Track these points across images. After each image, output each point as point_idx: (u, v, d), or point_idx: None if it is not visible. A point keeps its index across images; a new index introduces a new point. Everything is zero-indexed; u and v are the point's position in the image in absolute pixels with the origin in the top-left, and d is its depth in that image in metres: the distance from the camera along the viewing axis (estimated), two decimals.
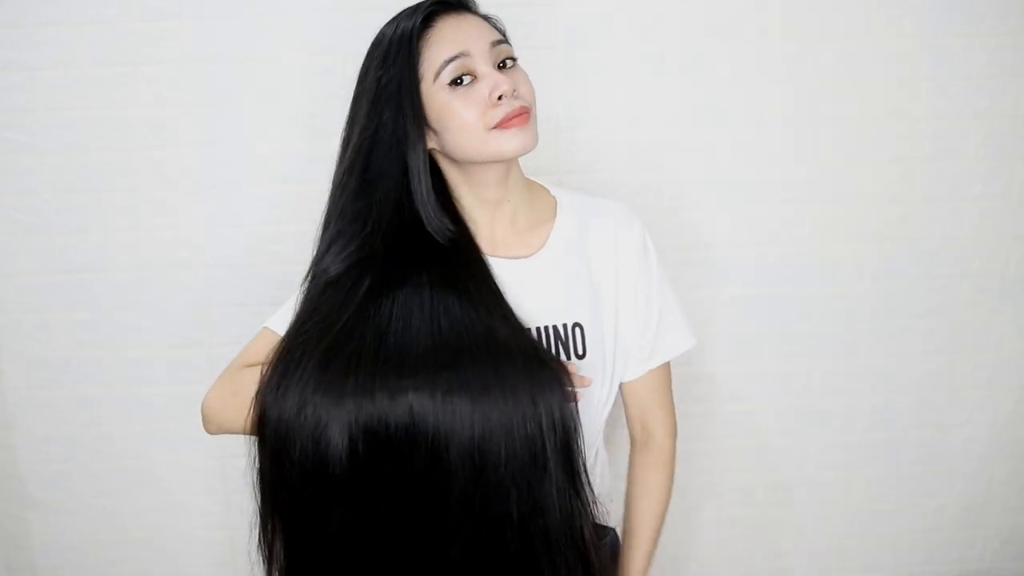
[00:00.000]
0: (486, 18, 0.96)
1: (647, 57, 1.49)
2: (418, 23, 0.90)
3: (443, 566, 0.86)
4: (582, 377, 0.90)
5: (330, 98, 1.48)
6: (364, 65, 0.95)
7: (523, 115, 0.90)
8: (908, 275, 1.57)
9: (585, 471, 0.89)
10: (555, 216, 1.02)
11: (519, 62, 0.95)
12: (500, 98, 0.89)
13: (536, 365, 0.85)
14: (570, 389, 0.86)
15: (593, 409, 1.02)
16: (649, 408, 1.08)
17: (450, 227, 0.93)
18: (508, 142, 0.90)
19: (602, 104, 1.50)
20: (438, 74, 0.89)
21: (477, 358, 0.84)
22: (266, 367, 0.89)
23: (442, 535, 0.85)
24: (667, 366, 1.08)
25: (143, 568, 1.63)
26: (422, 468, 0.83)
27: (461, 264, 0.92)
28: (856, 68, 1.50)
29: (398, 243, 0.91)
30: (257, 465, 0.90)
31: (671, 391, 1.10)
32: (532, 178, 1.07)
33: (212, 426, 0.99)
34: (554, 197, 1.05)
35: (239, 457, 1.58)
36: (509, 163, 0.97)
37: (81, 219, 1.50)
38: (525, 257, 0.99)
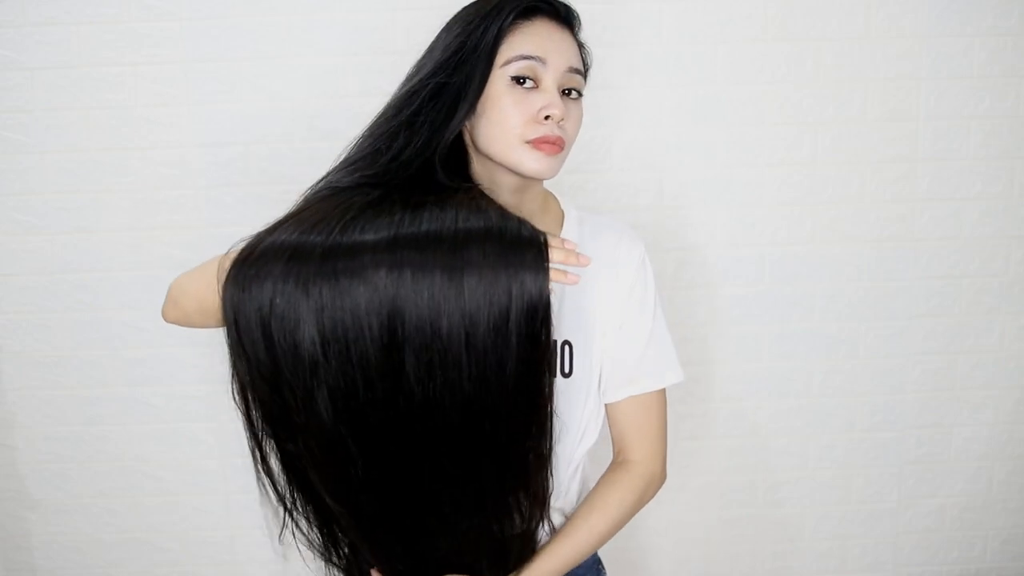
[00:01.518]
0: (580, 45, 0.97)
1: (647, 57, 1.49)
2: (522, 7, 0.90)
3: (416, 450, 0.82)
4: (579, 255, 0.81)
5: (331, 98, 1.48)
6: (458, 15, 0.94)
7: (558, 145, 0.90)
8: (908, 275, 1.57)
9: (550, 383, 0.82)
10: (559, 231, 1.02)
11: (582, 100, 0.96)
12: (547, 118, 0.89)
13: (512, 244, 0.78)
14: (548, 265, 0.78)
15: (576, 427, 1.00)
16: (627, 433, 1.03)
17: (463, 184, 0.90)
18: (531, 161, 0.90)
19: (602, 104, 1.50)
20: (508, 62, 0.89)
21: (446, 237, 0.78)
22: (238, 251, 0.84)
23: (410, 421, 0.81)
24: (655, 397, 1.02)
25: (143, 568, 1.63)
26: (385, 351, 0.78)
27: (466, 192, 0.88)
28: (856, 68, 1.50)
29: (417, 178, 0.88)
30: (234, 367, 0.85)
31: (660, 421, 1.03)
32: (550, 190, 1.07)
33: (173, 308, 0.95)
34: (563, 212, 1.04)
35: (239, 457, 1.59)
36: (529, 178, 0.96)
37: (81, 219, 1.50)
38: None
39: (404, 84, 0.93)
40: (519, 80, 0.89)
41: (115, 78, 1.45)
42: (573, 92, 0.93)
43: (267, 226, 0.86)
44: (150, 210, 1.50)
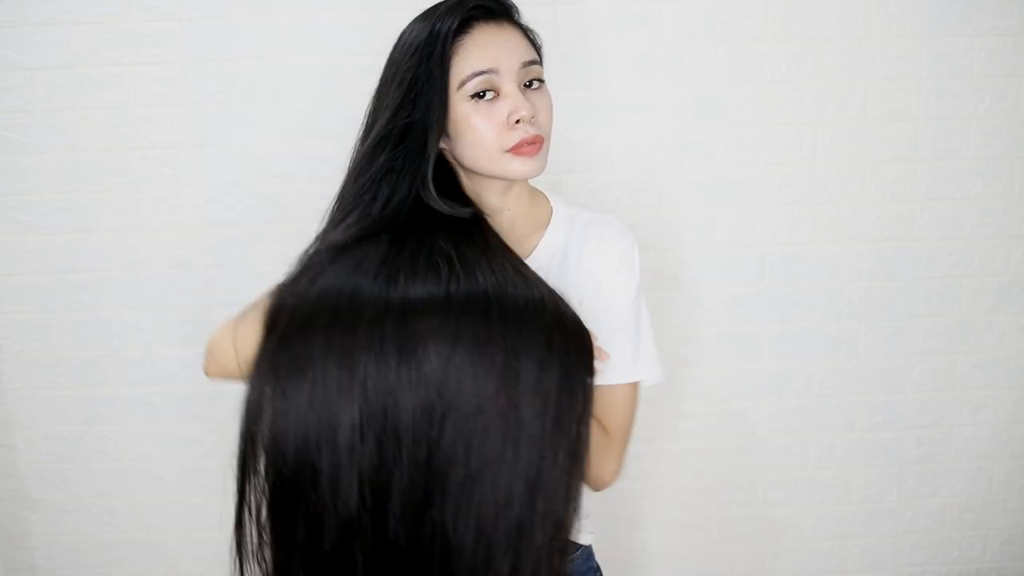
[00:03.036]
0: (525, 31, 0.96)
1: (648, 57, 1.49)
2: (455, 26, 0.89)
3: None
4: (601, 350, 0.86)
5: (331, 98, 1.48)
6: (396, 54, 0.94)
7: (536, 143, 0.90)
8: (908, 275, 1.57)
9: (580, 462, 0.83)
10: (547, 226, 1.02)
11: (546, 84, 0.95)
12: (518, 122, 0.89)
13: (565, 328, 0.82)
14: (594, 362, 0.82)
15: None
16: None
17: (463, 210, 0.91)
18: (517, 167, 0.91)
19: (602, 104, 1.50)
20: (463, 84, 0.89)
21: (500, 309, 0.80)
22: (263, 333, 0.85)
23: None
24: (620, 391, 0.97)
25: (143, 568, 1.63)
26: (422, 434, 0.79)
27: (479, 233, 0.90)
28: (856, 68, 1.50)
29: (416, 212, 0.89)
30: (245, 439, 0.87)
31: (622, 421, 0.97)
32: (536, 186, 1.07)
33: (215, 365, 0.97)
34: (552, 207, 1.04)
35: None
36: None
37: (81, 219, 1.50)
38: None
39: (367, 133, 0.93)
40: (480, 95, 0.89)
41: (115, 78, 1.45)
42: (534, 82, 0.92)
43: (288, 278, 0.87)
44: (150, 210, 1.50)
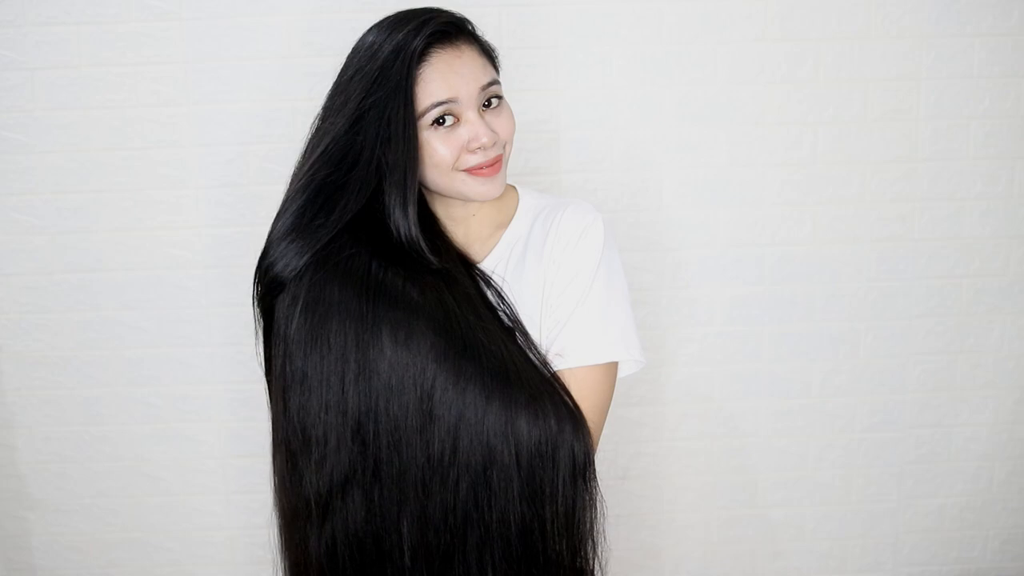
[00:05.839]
0: (481, 46, 0.95)
1: (648, 57, 1.49)
2: (416, 54, 0.89)
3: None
4: None
5: None
6: (349, 67, 0.95)
7: (495, 165, 0.92)
8: (908, 275, 1.57)
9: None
10: (510, 222, 1.02)
11: (505, 99, 0.95)
12: (477, 148, 0.91)
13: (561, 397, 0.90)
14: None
15: None
16: None
17: (432, 258, 0.92)
18: (476, 186, 0.93)
19: (602, 104, 1.50)
20: (424, 114, 0.90)
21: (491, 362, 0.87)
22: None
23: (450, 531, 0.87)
24: (588, 374, 0.94)
25: (143, 568, 1.63)
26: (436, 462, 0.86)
27: (453, 282, 0.93)
28: (856, 68, 1.50)
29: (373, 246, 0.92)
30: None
31: (594, 404, 0.94)
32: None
33: None
34: (518, 199, 1.04)
35: (239, 457, 1.59)
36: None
37: (81, 219, 1.50)
38: (479, 262, 1.00)
39: (308, 155, 0.96)
40: (440, 121, 0.90)
41: (115, 78, 1.45)
42: (493, 100, 0.93)
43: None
44: (150, 210, 1.50)
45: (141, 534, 1.62)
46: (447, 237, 0.98)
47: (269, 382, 0.95)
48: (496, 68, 0.97)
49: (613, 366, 0.96)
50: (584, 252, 0.95)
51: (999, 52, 1.50)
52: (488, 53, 0.96)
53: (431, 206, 1.00)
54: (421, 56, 0.90)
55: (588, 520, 0.91)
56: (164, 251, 1.52)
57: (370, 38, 0.93)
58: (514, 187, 1.05)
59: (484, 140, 0.90)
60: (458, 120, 0.91)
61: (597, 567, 0.93)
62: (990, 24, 1.49)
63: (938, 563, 1.69)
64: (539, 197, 1.04)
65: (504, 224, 1.01)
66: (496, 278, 0.96)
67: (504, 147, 0.94)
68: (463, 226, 1.01)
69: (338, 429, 0.86)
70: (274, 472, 0.93)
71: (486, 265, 0.99)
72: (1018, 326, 1.60)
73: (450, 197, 0.96)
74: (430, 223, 0.97)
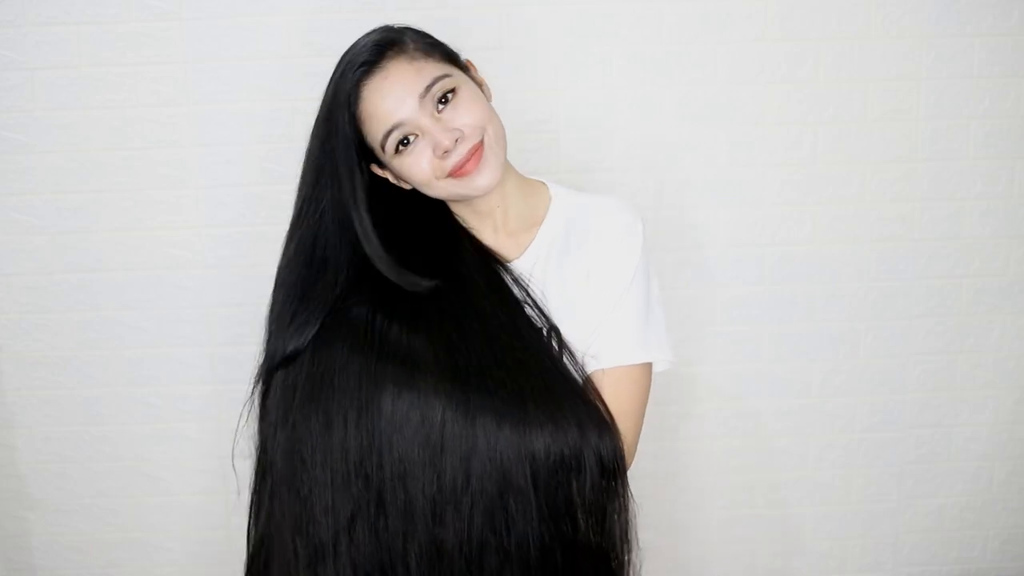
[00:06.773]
0: (418, 50, 0.92)
1: (648, 57, 1.49)
2: (352, 99, 0.90)
3: None
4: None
5: None
6: (315, 122, 0.96)
7: (475, 155, 0.90)
8: (908, 275, 1.57)
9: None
10: (544, 220, 1.01)
11: (463, 83, 0.93)
12: (446, 152, 0.90)
13: (584, 400, 0.89)
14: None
15: None
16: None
17: (421, 282, 0.92)
18: (467, 186, 0.91)
19: (602, 104, 1.50)
20: (383, 147, 0.91)
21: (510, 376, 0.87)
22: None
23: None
24: (627, 374, 0.95)
25: (143, 568, 1.63)
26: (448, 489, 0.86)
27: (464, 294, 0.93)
28: (856, 68, 1.50)
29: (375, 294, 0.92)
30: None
31: (631, 404, 0.96)
32: (535, 177, 1.06)
33: None
34: (551, 197, 1.03)
35: (239, 457, 1.58)
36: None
37: (81, 219, 1.50)
38: (514, 260, 0.99)
39: (294, 230, 0.99)
40: (404, 143, 0.90)
41: (115, 78, 1.45)
42: (447, 96, 0.90)
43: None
44: (150, 210, 1.50)
45: (141, 534, 1.62)
46: (465, 240, 0.97)
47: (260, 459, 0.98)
48: (444, 58, 0.93)
49: (649, 366, 0.97)
50: (625, 253, 0.96)
51: (999, 52, 1.50)
52: (425, 51, 0.92)
53: (454, 209, 1.00)
54: (354, 99, 0.91)
55: (621, 522, 0.92)
56: (164, 251, 1.52)
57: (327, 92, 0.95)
58: (545, 184, 1.04)
59: (446, 144, 0.88)
60: (419, 135, 0.90)
61: (631, 571, 0.92)
62: (990, 24, 1.49)
63: (938, 563, 1.69)
64: (575, 195, 1.03)
65: (537, 222, 1.00)
66: (529, 277, 0.96)
67: (482, 132, 0.90)
68: (491, 219, 0.99)
69: (342, 473, 0.86)
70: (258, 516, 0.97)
71: (522, 263, 0.98)
72: (1018, 326, 1.60)
73: (456, 201, 0.96)
74: (440, 227, 0.97)
